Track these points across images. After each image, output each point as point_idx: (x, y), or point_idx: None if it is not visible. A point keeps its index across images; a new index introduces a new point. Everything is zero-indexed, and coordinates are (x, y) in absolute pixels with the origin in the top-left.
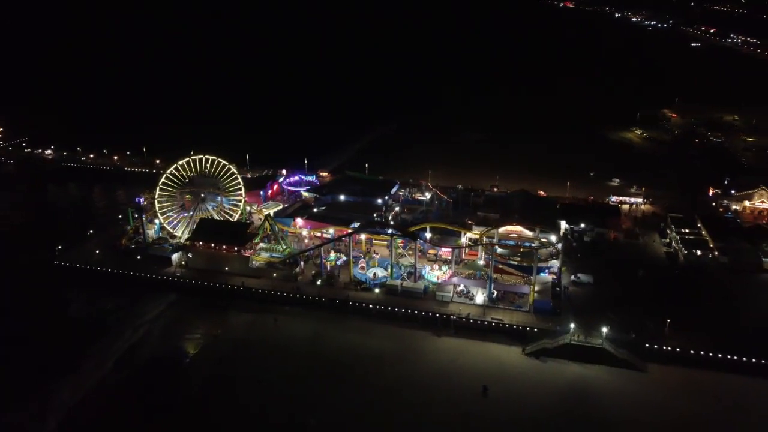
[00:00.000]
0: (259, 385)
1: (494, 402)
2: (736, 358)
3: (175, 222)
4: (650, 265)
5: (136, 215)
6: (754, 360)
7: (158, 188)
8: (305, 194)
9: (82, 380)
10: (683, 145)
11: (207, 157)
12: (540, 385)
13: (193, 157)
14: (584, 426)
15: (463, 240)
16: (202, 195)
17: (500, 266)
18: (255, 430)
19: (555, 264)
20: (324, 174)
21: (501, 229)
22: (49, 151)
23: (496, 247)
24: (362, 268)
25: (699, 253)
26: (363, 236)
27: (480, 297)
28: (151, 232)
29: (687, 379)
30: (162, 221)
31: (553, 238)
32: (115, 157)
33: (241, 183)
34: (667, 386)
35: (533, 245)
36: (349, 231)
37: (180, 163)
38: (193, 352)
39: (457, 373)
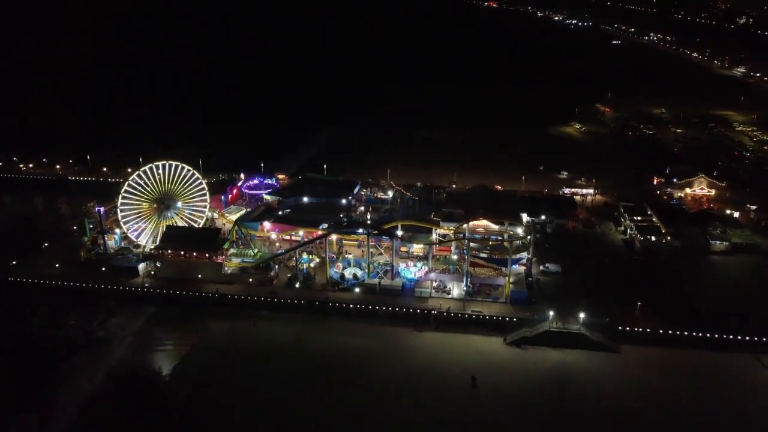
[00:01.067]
0: (245, 392)
1: (484, 392)
2: (701, 335)
3: (138, 231)
4: (609, 252)
5: (91, 226)
6: (716, 336)
7: (120, 196)
8: (267, 197)
9: (66, 400)
10: (619, 137)
11: (170, 162)
12: (525, 372)
13: (156, 163)
14: (572, 408)
15: (434, 236)
16: (165, 202)
17: (474, 260)
18: None
19: (524, 255)
20: (282, 176)
21: (472, 223)
22: None
23: (469, 242)
24: (339, 268)
25: (653, 239)
26: (334, 237)
27: (456, 291)
28: (111, 242)
29: (659, 357)
30: (125, 230)
31: (520, 230)
32: (57, 166)
33: (206, 188)
34: (642, 365)
35: (509, 238)
36: (321, 233)
37: (143, 169)
38: (173, 363)
39: (444, 366)
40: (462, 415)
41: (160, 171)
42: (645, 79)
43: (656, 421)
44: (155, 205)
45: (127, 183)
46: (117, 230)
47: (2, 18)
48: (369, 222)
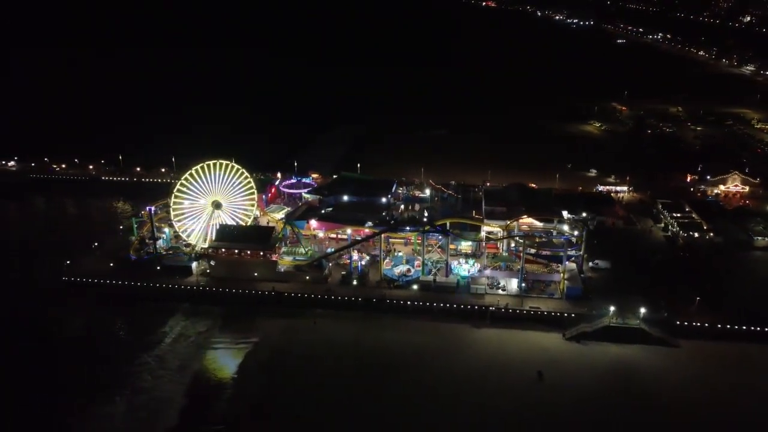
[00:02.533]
0: (311, 388)
1: (551, 386)
2: (758, 329)
3: (189, 230)
4: (653, 249)
5: (136, 225)
6: None
7: (173, 195)
8: (306, 196)
9: (135, 400)
10: (637, 135)
11: (221, 161)
12: (587, 368)
13: (207, 162)
14: (636, 403)
15: (483, 233)
16: (216, 201)
17: (526, 256)
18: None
19: (575, 252)
20: (315, 175)
21: (507, 222)
22: (12, 163)
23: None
24: (388, 265)
25: (696, 235)
26: (383, 235)
27: (509, 287)
28: (159, 242)
29: (718, 351)
30: (177, 229)
31: (566, 227)
32: (90, 167)
33: (254, 187)
34: (701, 360)
35: (564, 235)
36: (369, 231)
37: (194, 168)
38: (238, 361)
39: (508, 362)
40: (533, 408)
41: (211, 170)
42: (656, 78)
43: (719, 414)
44: (207, 204)
45: (179, 182)
46: (165, 229)
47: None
48: (425, 219)
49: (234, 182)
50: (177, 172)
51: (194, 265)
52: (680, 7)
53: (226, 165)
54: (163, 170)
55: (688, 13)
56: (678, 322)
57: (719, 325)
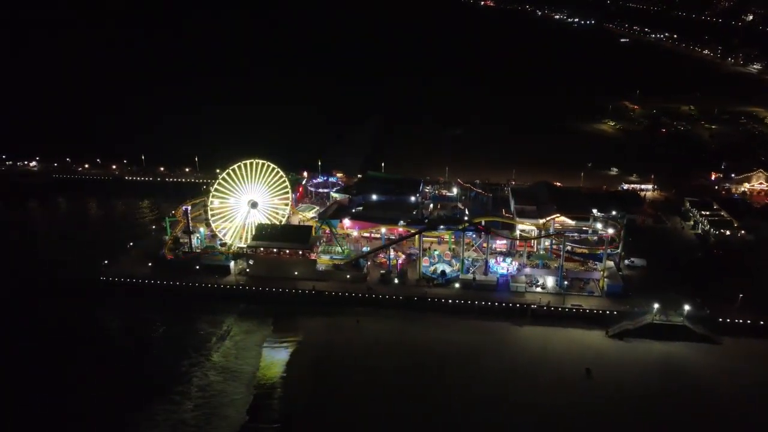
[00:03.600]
0: (361, 386)
1: (600, 383)
2: None
3: (225, 229)
4: (684, 246)
5: (169, 224)
6: None
7: (211, 195)
8: (335, 195)
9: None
10: (655, 134)
11: (257, 161)
12: (633, 365)
13: (244, 162)
14: (687, 400)
15: (517, 231)
16: (253, 200)
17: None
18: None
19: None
20: (339, 175)
21: (542, 220)
22: (33, 163)
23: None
24: (426, 262)
25: (728, 233)
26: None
27: (549, 285)
28: (194, 241)
29: (761, 348)
30: (214, 229)
31: (599, 225)
32: (114, 167)
33: (289, 187)
34: (745, 356)
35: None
36: (403, 229)
37: (231, 168)
38: (286, 360)
39: (554, 359)
40: (585, 405)
41: (248, 169)
42: (664, 77)
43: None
44: (243, 203)
45: (216, 182)
46: (201, 228)
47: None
48: (465, 218)
49: (270, 181)
50: (201, 171)
51: (232, 264)
52: (681, 6)
53: (262, 164)
54: (187, 170)
55: (689, 12)
56: (720, 319)
57: (761, 322)
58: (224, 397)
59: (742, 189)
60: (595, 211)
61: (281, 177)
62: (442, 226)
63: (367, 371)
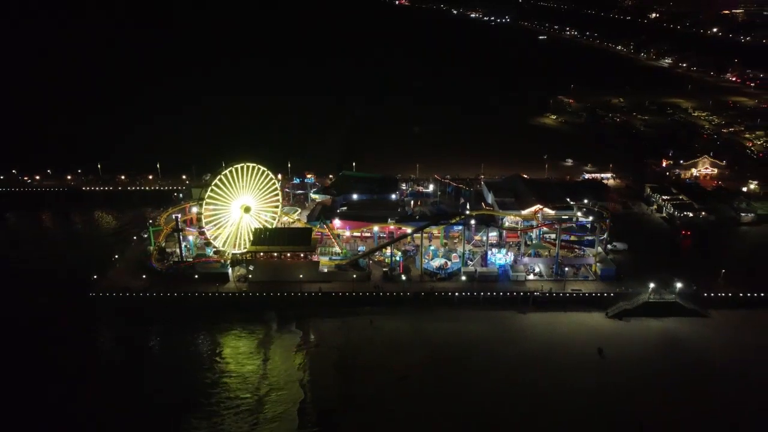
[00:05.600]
0: (386, 385)
1: (613, 361)
2: None
3: (218, 236)
4: (655, 229)
5: (145, 235)
6: None
7: (205, 201)
8: (314, 196)
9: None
10: (594, 126)
11: (249, 164)
12: (638, 342)
13: (236, 166)
14: (689, 370)
15: (508, 223)
16: (247, 205)
17: (553, 242)
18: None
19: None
20: (310, 175)
21: (525, 211)
22: None
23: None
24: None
25: (691, 215)
26: (409, 230)
27: (544, 272)
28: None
29: (744, 318)
30: (209, 236)
31: (579, 213)
32: (69, 177)
33: (279, 190)
34: (733, 326)
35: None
36: (396, 227)
37: (224, 172)
38: (307, 364)
39: (565, 342)
40: (605, 383)
41: (239, 173)
42: (588, 72)
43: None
44: (237, 208)
45: (210, 188)
46: (189, 237)
47: None
48: (467, 212)
49: (261, 185)
50: (164, 178)
51: (230, 271)
52: (590, 5)
53: (254, 168)
54: (150, 177)
55: (598, 10)
56: (705, 294)
57: (741, 294)
58: (262, 405)
59: (694, 174)
60: (567, 200)
61: (271, 180)
62: (451, 221)
63: (389, 370)
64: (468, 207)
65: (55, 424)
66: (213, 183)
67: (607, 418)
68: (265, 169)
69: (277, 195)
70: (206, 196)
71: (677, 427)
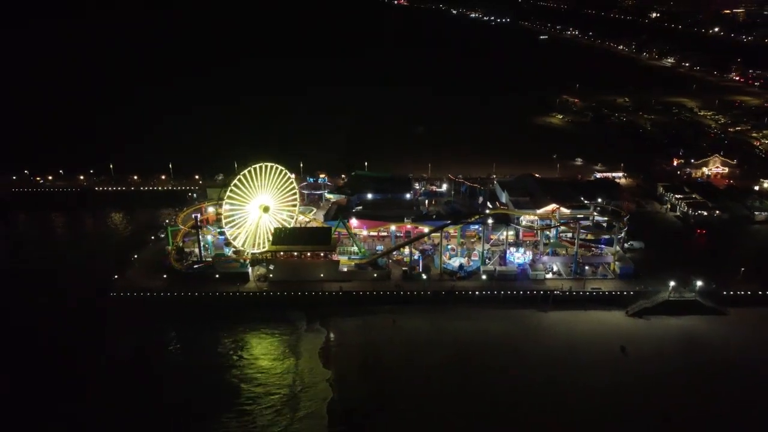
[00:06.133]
0: (414, 384)
1: (636, 359)
2: None
3: (237, 235)
4: (669, 227)
5: (162, 235)
6: None
7: (225, 201)
8: (329, 196)
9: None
10: (601, 125)
11: (268, 164)
12: (659, 339)
13: (255, 165)
14: (711, 368)
15: (524, 222)
16: (266, 205)
17: (570, 241)
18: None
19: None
20: (323, 175)
21: (540, 210)
22: None
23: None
24: (447, 257)
25: (705, 213)
26: (426, 229)
27: (562, 271)
28: (197, 249)
29: (764, 316)
30: (228, 236)
31: (595, 212)
32: (81, 177)
33: (297, 189)
34: (752, 324)
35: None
36: (411, 226)
37: (243, 172)
38: (331, 361)
39: (588, 340)
40: (630, 380)
41: (258, 173)
42: (588, 71)
43: None
44: (256, 208)
45: (229, 188)
46: (208, 236)
47: None
48: (488, 211)
49: (279, 185)
50: (176, 179)
51: (249, 270)
52: (590, 5)
53: (272, 167)
54: (163, 177)
55: (598, 10)
56: (724, 292)
57: (760, 292)
58: (291, 403)
59: (705, 173)
60: (582, 199)
61: (289, 179)
62: (462, 220)
63: (413, 368)
64: (489, 206)
65: (80, 425)
66: (233, 183)
67: (635, 414)
68: (283, 168)
69: (295, 194)
70: (226, 196)
71: (701, 424)
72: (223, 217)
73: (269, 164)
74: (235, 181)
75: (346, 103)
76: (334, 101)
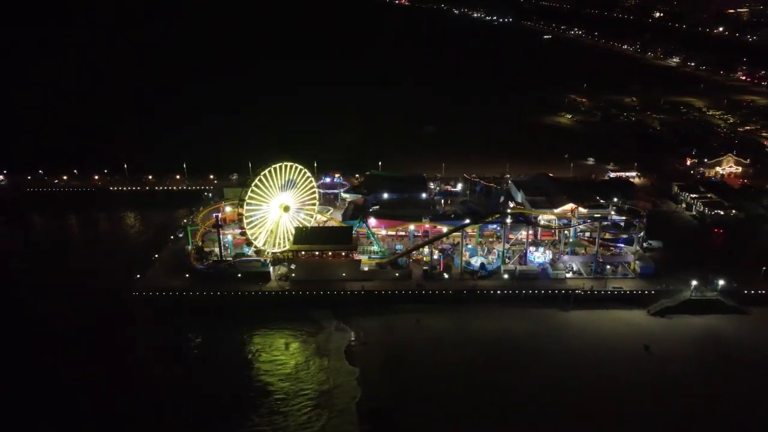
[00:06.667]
0: (442, 383)
1: (660, 357)
2: None
3: (257, 235)
4: (686, 227)
5: (181, 235)
6: None
7: (246, 201)
8: (345, 196)
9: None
10: (610, 124)
11: (288, 164)
12: (682, 338)
13: (276, 165)
14: (736, 366)
15: (543, 221)
16: (286, 204)
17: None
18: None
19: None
20: (337, 175)
21: (558, 209)
22: (0, 177)
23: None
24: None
25: (722, 213)
26: (445, 228)
27: (582, 270)
28: (217, 249)
29: None
30: (249, 236)
31: (613, 211)
32: (96, 177)
33: (316, 189)
34: None
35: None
36: (429, 226)
37: (263, 172)
38: (357, 360)
39: (611, 339)
40: (655, 379)
41: (278, 173)
42: (593, 71)
43: None
44: (276, 207)
45: (251, 188)
46: (228, 236)
47: None
48: (509, 210)
49: (299, 184)
50: (191, 179)
51: (271, 269)
52: (592, 5)
53: (292, 166)
54: (178, 177)
55: (601, 9)
56: (746, 291)
57: None
58: (320, 402)
59: (719, 172)
60: (598, 198)
61: (309, 179)
62: (483, 220)
63: (438, 366)
64: (510, 204)
65: (108, 425)
66: (253, 183)
67: (661, 413)
68: (303, 167)
69: (314, 194)
70: (247, 195)
71: (728, 424)
72: (244, 216)
73: (289, 163)
74: (256, 180)
75: (346, 103)
76: (334, 101)
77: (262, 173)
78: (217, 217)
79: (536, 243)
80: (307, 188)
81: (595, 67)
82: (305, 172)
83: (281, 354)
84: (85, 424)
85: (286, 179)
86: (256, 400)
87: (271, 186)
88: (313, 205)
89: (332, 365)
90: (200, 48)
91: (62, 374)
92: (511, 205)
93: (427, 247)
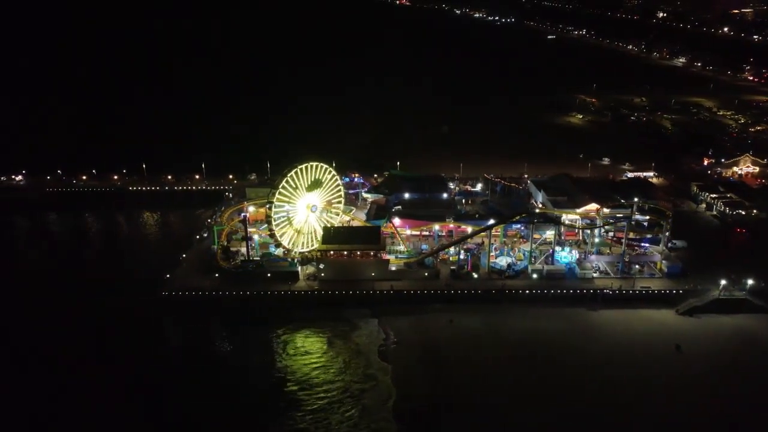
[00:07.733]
0: (480, 380)
1: (691, 357)
2: None
3: (284, 234)
4: (705, 226)
5: (205, 234)
6: None
7: (275, 201)
8: (366, 196)
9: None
10: (621, 124)
11: (315, 164)
12: (712, 338)
13: (303, 165)
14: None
15: (567, 221)
16: (313, 204)
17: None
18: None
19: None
20: (356, 174)
21: (581, 209)
22: (19, 177)
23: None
24: (493, 257)
25: (743, 213)
26: (469, 228)
27: (609, 270)
28: (243, 249)
29: None
30: (278, 236)
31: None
32: (115, 177)
33: (342, 189)
34: None
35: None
36: (453, 226)
37: (291, 173)
38: (391, 360)
39: (641, 338)
40: (688, 378)
41: (305, 173)
42: (606, 71)
43: None
44: (303, 207)
45: (279, 188)
46: (255, 236)
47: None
48: (537, 210)
49: (326, 184)
50: (209, 179)
51: (299, 269)
52: (594, 4)
53: (318, 166)
54: (197, 177)
55: (604, 9)
56: None
57: None
58: (358, 401)
59: (737, 172)
60: (619, 198)
61: (335, 178)
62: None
63: (473, 366)
64: (537, 205)
65: (142, 425)
66: (281, 183)
67: (698, 412)
68: (330, 167)
69: (340, 194)
70: (276, 195)
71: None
72: (272, 219)
73: (316, 164)
74: (284, 181)
75: (346, 103)
76: (333, 101)
77: (289, 174)
78: (244, 216)
79: (561, 243)
80: (333, 188)
81: (602, 67)
82: (332, 172)
83: (315, 352)
84: (117, 423)
85: (313, 179)
86: (297, 398)
87: (298, 186)
88: (340, 203)
89: (367, 364)
90: (199, 49)
91: (90, 373)
92: (534, 204)
93: (453, 247)
